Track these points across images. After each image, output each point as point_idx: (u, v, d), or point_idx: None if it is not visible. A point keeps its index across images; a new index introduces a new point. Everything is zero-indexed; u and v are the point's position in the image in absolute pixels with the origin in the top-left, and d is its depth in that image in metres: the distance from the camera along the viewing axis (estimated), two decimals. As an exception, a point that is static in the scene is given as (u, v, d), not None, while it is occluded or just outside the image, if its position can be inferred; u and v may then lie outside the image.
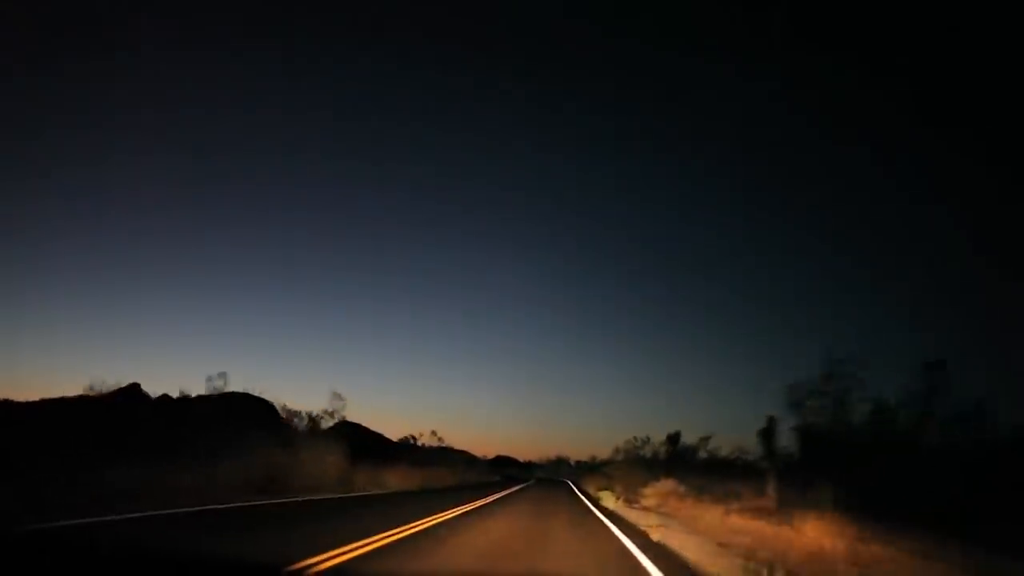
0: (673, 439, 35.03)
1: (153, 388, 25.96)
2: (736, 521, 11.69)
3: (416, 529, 8.09)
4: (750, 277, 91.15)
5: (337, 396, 23.23)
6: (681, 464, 29.33)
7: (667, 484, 20.43)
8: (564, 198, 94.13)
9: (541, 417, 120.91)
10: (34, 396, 22.83)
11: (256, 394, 30.29)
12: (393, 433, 48.75)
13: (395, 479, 21.59)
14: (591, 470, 52.80)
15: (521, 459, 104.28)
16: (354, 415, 47.50)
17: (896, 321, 68.96)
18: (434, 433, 48.72)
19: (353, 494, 15.78)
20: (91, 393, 23.81)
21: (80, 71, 65.52)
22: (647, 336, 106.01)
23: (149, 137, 68.33)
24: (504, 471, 75.70)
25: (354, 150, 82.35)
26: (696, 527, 11.40)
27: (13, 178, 59.80)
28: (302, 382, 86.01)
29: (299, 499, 12.17)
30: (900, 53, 56.78)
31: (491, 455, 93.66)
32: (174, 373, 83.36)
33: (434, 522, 9.24)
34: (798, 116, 78.71)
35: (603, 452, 67.47)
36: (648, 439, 38.12)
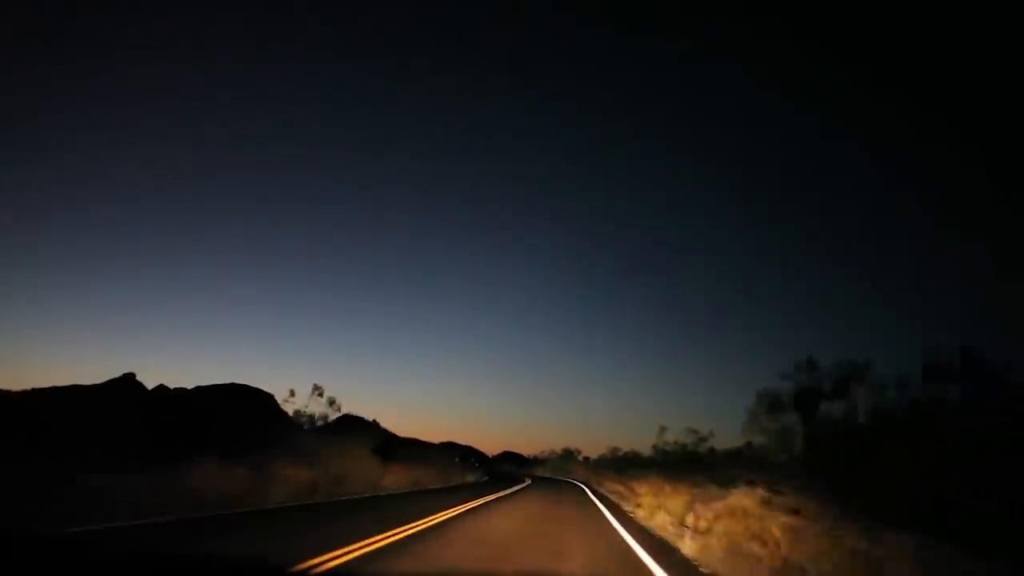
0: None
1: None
2: None
3: None
4: (761, 271, 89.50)
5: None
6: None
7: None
8: (569, 194, 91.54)
9: (550, 414, 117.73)
10: (25, 385, 20.24)
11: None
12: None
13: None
14: (619, 469, 34.58)
15: (527, 455, 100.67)
16: (354, 408, 40.80)
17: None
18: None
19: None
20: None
21: (78, 63, 61.83)
22: (658, 333, 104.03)
23: (148, 131, 64.86)
24: (497, 467, 64.76)
25: (358, 144, 79.22)
26: None
27: (9, 168, 56.25)
28: (293, 373, 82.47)
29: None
30: (905, 57, 54.95)
31: (497, 451, 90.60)
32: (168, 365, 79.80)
33: None
34: (802, 116, 77.09)
35: (624, 445, 54.93)
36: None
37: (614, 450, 50.44)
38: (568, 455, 65.95)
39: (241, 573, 5.17)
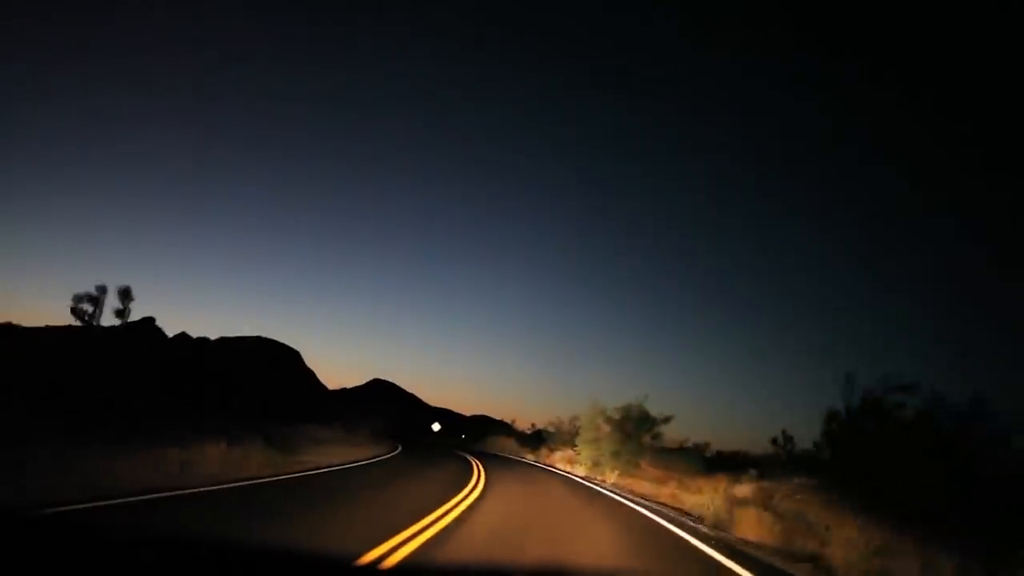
0: None
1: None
2: None
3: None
4: (761, 250, 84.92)
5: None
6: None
7: None
8: (578, 163, 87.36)
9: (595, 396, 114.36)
10: (39, 322, 19.25)
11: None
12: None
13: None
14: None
15: (543, 429, 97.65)
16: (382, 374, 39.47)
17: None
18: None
19: None
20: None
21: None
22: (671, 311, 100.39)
23: (171, 67, 64.04)
24: (470, 444, 46.58)
25: (386, 105, 76.73)
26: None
27: (19, 101, 56.17)
28: (322, 336, 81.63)
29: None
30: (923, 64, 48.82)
31: (529, 429, 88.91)
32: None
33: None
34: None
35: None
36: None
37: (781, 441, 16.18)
38: (639, 422, 21.29)
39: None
